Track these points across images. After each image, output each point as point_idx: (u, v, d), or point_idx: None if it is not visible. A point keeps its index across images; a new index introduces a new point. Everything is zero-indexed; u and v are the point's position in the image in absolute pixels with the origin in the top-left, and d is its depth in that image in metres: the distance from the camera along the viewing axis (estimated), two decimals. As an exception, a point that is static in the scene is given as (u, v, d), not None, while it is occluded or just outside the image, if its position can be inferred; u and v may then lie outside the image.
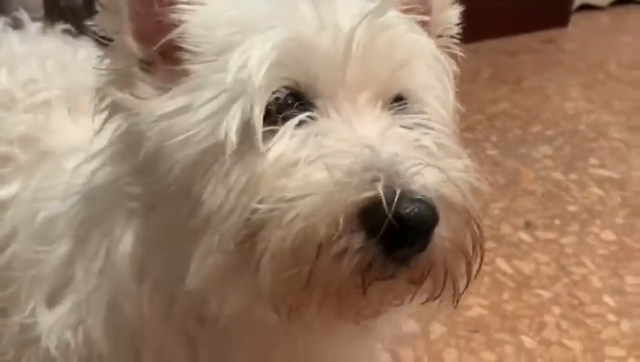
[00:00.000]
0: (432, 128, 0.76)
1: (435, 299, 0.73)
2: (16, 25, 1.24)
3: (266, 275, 0.68)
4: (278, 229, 0.67)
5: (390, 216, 0.63)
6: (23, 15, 1.25)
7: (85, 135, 0.89)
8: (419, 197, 0.64)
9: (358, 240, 0.65)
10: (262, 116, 0.71)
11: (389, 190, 0.64)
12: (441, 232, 0.67)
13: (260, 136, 0.70)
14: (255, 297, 0.71)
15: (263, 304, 0.71)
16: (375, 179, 0.65)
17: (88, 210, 0.86)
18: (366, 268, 0.66)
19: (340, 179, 0.66)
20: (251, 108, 0.70)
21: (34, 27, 1.23)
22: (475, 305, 1.58)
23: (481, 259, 0.73)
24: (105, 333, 0.83)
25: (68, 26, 1.24)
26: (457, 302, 0.74)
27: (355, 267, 0.66)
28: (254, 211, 0.68)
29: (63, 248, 0.88)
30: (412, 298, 0.73)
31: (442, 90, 0.82)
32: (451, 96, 0.83)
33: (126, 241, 0.80)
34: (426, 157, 0.69)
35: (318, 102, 0.73)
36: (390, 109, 0.75)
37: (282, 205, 0.67)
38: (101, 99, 0.78)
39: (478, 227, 0.72)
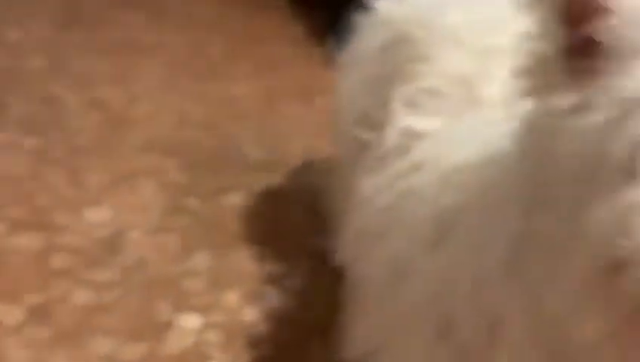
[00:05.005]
0: None
1: None
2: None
3: (620, 321, 0.64)
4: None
5: None
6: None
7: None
8: None
9: None
10: None
11: None
12: None
13: None
14: (607, 336, 0.66)
15: (613, 346, 0.66)
16: None
17: (490, 173, 0.84)
18: None
19: None
20: None
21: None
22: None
23: None
24: (467, 298, 0.82)
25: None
26: None
27: None
28: (619, 247, 0.62)
29: (451, 200, 0.87)
30: None
31: None
32: None
33: (507, 229, 0.77)
34: None
35: None
36: None
37: None
38: (518, 81, 0.74)
39: None
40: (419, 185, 0.97)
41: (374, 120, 1.15)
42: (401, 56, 1.16)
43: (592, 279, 0.65)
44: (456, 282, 0.84)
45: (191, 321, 1.41)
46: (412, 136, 1.05)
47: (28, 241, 1.54)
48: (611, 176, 0.64)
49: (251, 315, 1.44)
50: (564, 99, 0.69)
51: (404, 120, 1.07)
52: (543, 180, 0.72)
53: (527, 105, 0.74)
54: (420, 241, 0.90)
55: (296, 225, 1.69)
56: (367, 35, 1.29)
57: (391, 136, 1.07)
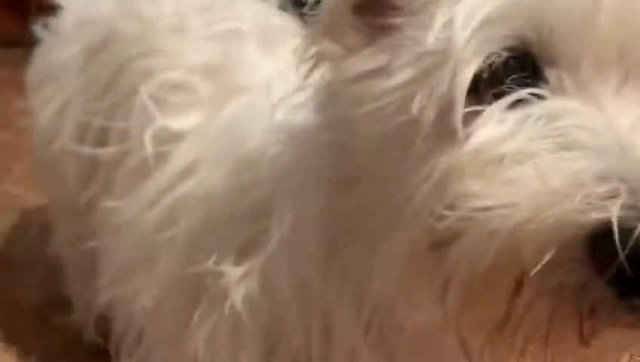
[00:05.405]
0: None
1: None
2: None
3: (452, 304, 0.54)
4: (470, 248, 0.51)
5: (625, 252, 0.46)
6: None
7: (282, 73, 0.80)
8: None
9: (579, 275, 0.49)
10: (465, 90, 0.53)
11: (632, 213, 0.47)
12: None
13: (459, 117, 0.54)
14: (442, 320, 0.57)
15: (449, 332, 0.57)
16: (612, 195, 0.47)
17: (291, 153, 0.74)
18: (589, 313, 0.50)
19: (559, 189, 0.48)
20: (452, 78, 0.54)
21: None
22: None
23: None
24: (293, 301, 0.72)
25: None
26: None
27: (571, 310, 0.50)
28: (441, 218, 0.53)
29: (260, 193, 0.76)
30: None
31: None
32: None
33: (316, 215, 0.68)
34: None
35: (551, 74, 0.54)
36: None
37: (476, 215, 0.51)
38: (307, 47, 0.66)
39: None
40: (195, 191, 0.85)
41: (107, 132, 1.01)
42: (120, 56, 1.03)
43: (418, 258, 0.57)
44: (278, 288, 0.74)
45: None
46: (169, 138, 0.92)
47: None
48: (422, 139, 0.56)
49: None
50: (363, 63, 0.61)
51: (155, 122, 0.93)
52: (352, 154, 0.63)
53: (323, 74, 0.66)
54: (224, 251, 0.78)
55: (29, 306, 1.40)
56: (60, 45, 1.14)
57: (143, 144, 0.93)
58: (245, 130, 0.83)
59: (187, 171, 0.87)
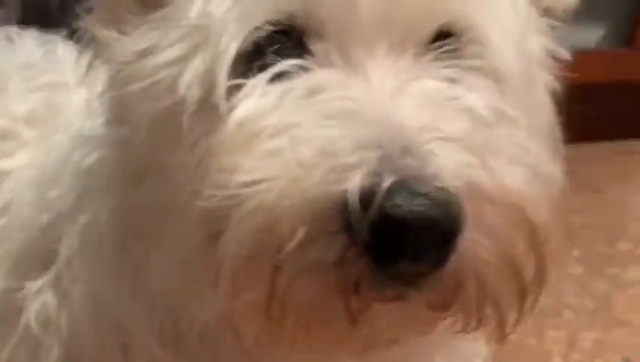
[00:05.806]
0: (492, 79, 0.56)
1: (473, 330, 0.54)
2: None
3: (222, 292, 0.52)
4: (236, 228, 0.49)
5: (368, 220, 0.45)
6: None
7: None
8: (424, 190, 0.46)
9: (335, 249, 0.47)
10: (226, 66, 0.53)
11: (374, 180, 0.46)
12: (476, 238, 0.48)
13: (221, 91, 0.53)
14: (220, 314, 0.55)
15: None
16: (359, 163, 0.47)
17: (91, 157, 0.69)
18: (353, 289, 0.49)
19: (309, 160, 0.48)
20: (214, 54, 0.53)
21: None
22: None
23: (541, 283, 0.53)
24: (88, 318, 0.67)
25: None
26: (504, 336, 0.55)
27: (335, 287, 0.48)
28: (209, 199, 0.50)
29: (65, 204, 0.72)
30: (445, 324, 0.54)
31: (515, 19, 0.60)
32: (533, 33, 0.62)
33: (106, 217, 0.65)
34: (462, 124, 0.50)
35: (317, 47, 0.54)
36: (428, 52, 0.55)
37: (241, 192, 0.49)
38: (88, 42, 0.63)
39: (536, 232, 0.51)
40: (10, 223, 0.82)
41: None
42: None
43: (195, 249, 0.54)
44: (72, 300, 0.69)
45: None
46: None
47: None
48: (191, 120, 0.55)
49: None
50: (135, 42, 0.59)
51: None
52: (136, 147, 0.60)
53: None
54: (30, 266, 0.74)
55: None
56: None
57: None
58: (51, 152, 0.81)
59: (4, 209, 0.83)
